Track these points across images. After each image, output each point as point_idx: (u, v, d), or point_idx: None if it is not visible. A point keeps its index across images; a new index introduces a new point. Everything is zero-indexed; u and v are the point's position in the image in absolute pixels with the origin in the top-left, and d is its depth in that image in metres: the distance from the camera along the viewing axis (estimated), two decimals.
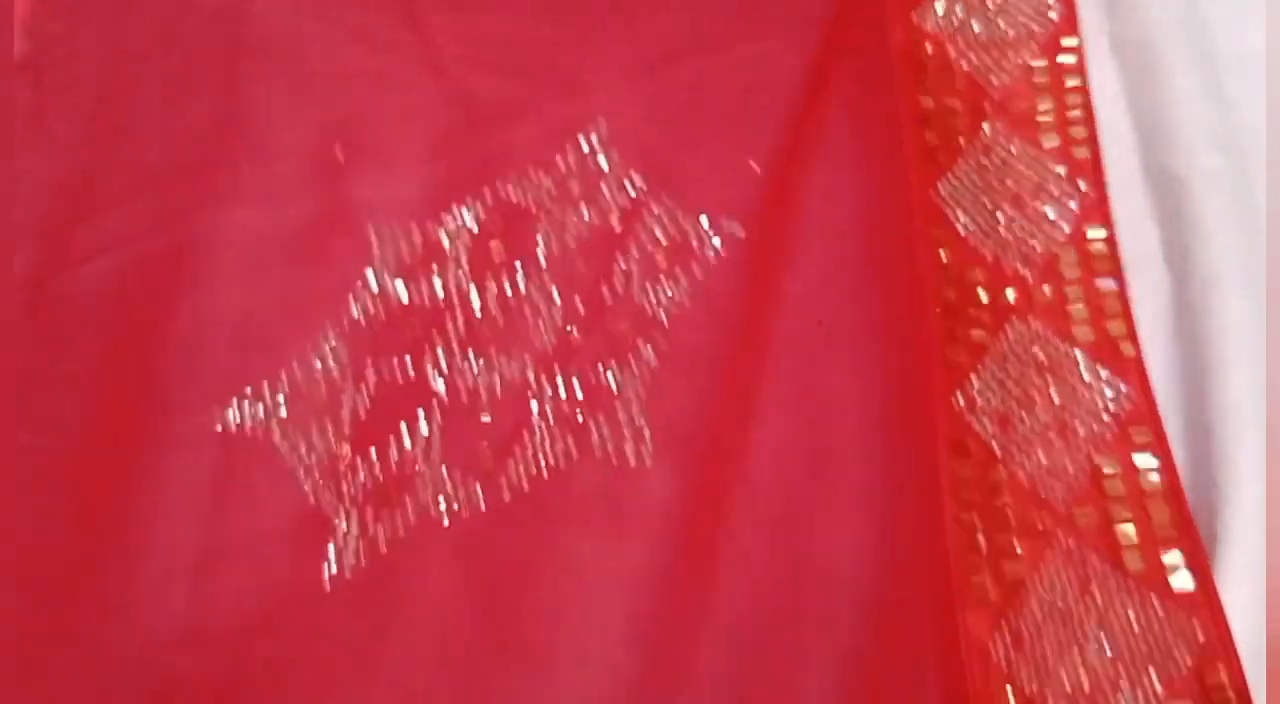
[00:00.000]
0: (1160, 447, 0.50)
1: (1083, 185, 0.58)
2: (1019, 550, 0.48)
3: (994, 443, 0.51)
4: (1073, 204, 0.57)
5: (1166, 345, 0.54)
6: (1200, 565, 0.47)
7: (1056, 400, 0.52)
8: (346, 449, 0.49)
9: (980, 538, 0.48)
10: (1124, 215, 0.58)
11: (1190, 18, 0.62)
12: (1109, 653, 0.45)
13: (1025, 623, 0.46)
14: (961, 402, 0.52)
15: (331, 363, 0.52)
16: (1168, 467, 0.50)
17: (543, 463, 0.50)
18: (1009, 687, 0.45)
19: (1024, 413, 0.51)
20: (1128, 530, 0.48)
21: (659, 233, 0.56)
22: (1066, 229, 0.57)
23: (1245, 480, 0.48)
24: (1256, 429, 0.49)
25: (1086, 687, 0.44)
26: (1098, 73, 0.62)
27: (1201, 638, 0.45)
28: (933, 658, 0.46)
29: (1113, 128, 0.61)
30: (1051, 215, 0.57)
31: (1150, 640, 0.46)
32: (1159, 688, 0.44)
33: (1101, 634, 0.46)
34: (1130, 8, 0.63)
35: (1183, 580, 0.47)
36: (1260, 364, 0.51)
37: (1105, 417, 0.51)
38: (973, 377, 0.53)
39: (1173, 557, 0.48)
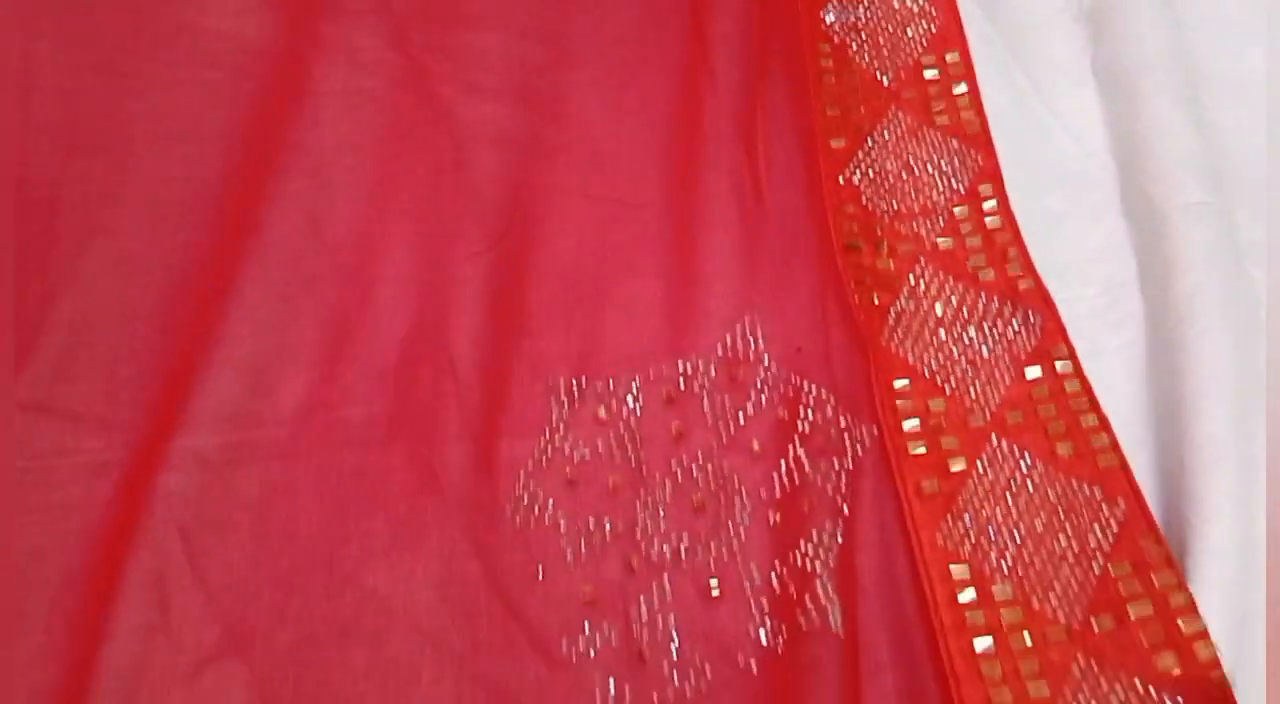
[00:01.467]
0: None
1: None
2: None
3: None
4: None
5: (1140, 377, 0.54)
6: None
7: None
8: None
9: None
10: (1101, 243, 0.58)
11: (1177, 46, 0.61)
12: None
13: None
14: None
15: None
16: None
17: None
18: None
19: None
20: None
21: None
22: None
23: (1218, 517, 0.47)
24: (1230, 465, 0.48)
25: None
26: (1078, 97, 0.62)
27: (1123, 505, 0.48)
28: None
29: (1093, 154, 0.60)
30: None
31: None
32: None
33: None
34: (1117, 35, 0.63)
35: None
36: (1234, 400, 0.50)
37: None
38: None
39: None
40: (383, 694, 0.45)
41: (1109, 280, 0.56)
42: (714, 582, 0.49)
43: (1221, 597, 0.45)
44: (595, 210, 0.58)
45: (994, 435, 0.52)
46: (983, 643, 0.46)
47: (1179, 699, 0.44)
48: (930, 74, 0.63)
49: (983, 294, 0.56)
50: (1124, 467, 0.50)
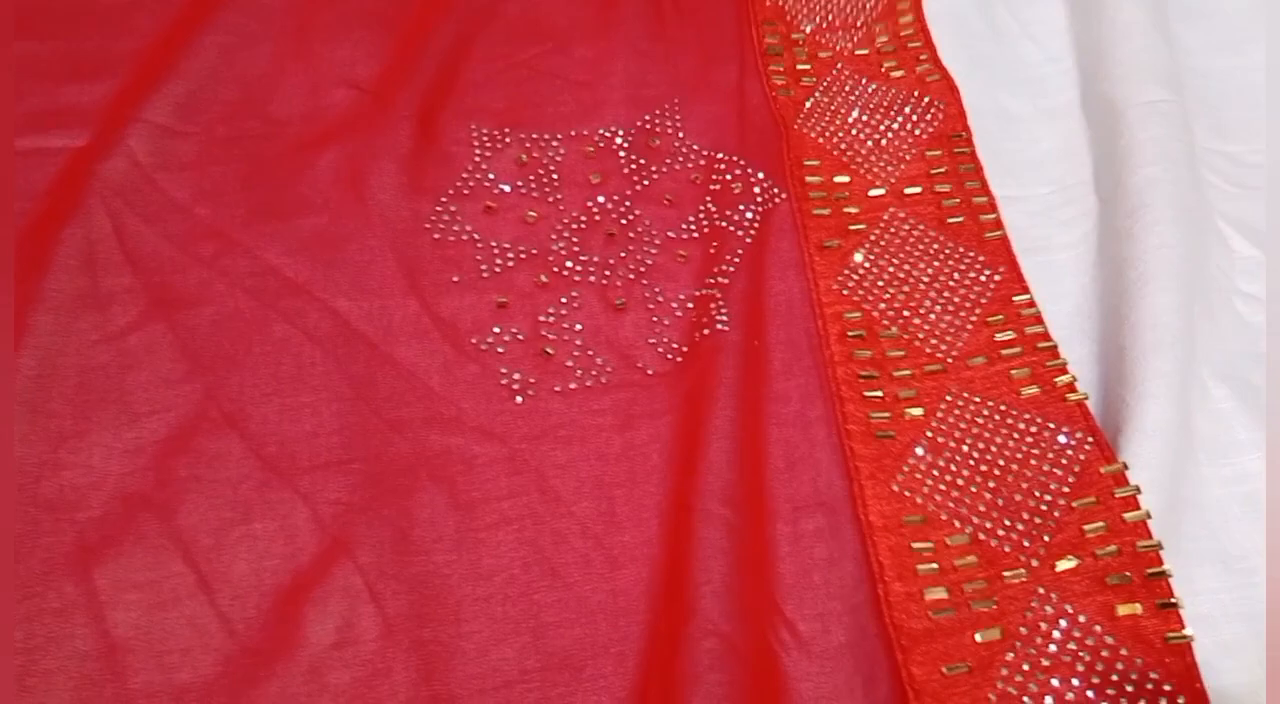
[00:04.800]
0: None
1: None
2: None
3: None
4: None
5: (1090, 269, 0.54)
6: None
7: None
8: None
9: None
10: (1058, 144, 0.58)
11: None
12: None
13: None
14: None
15: None
16: None
17: None
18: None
19: None
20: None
21: None
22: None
23: (1151, 400, 0.46)
24: (1169, 351, 0.48)
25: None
26: (1043, 6, 0.63)
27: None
28: None
29: (1055, 59, 0.61)
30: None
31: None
32: None
33: None
34: None
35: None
36: (1178, 288, 0.49)
37: None
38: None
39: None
40: (298, 353, 0.48)
41: (1063, 180, 0.57)
42: (620, 299, 0.52)
43: (1150, 476, 0.45)
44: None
45: (892, 207, 0.55)
46: (868, 372, 0.50)
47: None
48: None
49: (892, 89, 0.59)
50: (999, 230, 0.54)
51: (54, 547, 0.41)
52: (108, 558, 0.42)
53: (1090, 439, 0.46)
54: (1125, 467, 0.45)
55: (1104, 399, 0.49)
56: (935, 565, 0.43)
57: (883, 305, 0.52)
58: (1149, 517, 0.43)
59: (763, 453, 0.47)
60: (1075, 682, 0.40)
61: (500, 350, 0.50)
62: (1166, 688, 0.40)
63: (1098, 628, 0.41)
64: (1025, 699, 0.40)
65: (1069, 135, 0.58)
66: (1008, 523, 0.44)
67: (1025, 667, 0.41)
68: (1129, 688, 0.40)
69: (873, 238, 0.54)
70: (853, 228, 0.55)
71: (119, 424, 0.45)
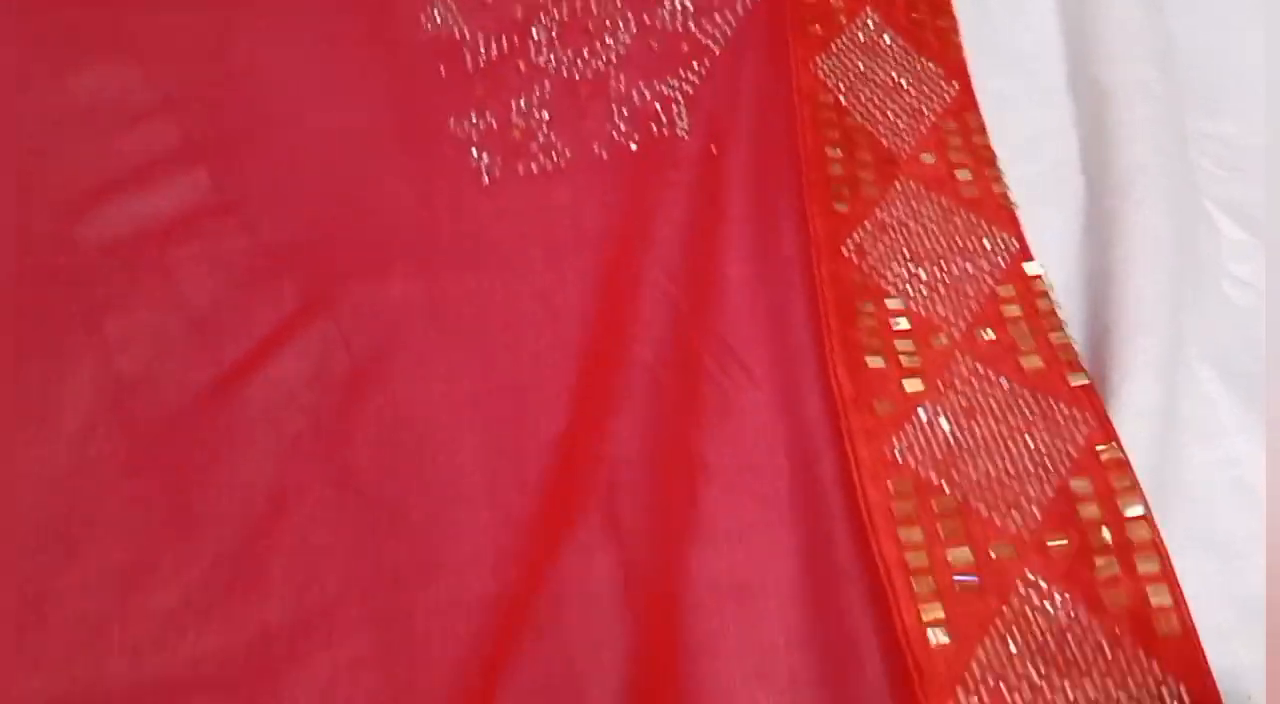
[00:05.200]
0: None
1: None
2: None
3: None
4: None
5: (1076, 249, 0.53)
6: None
7: None
8: None
9: None
10: (1047, 125, 0.57)
11: None
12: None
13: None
14: None
15: None
16: None
17: None
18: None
19: None
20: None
21: None
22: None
23: (1137, 381, 0.46)
24: (1155, 331, 0.47)
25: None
26: None
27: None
28: None
29: (1045, 42, 0.60)
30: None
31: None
32: None
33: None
34: None
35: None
36: (1164, 268, 0.49)
37: None
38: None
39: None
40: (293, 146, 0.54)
41: (1053, 160, 0.56)
42: (586, 91, 0.57)
43: (1135, 458, 0.44)
44: None
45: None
46: (837, 171, 0.53)
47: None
48: None
49: None
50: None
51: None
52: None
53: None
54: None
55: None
56: None
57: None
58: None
59: (714, 244, 0.51)
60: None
61: (474, 136, 0.55)
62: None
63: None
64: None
65: (1057, 115, 0.58)
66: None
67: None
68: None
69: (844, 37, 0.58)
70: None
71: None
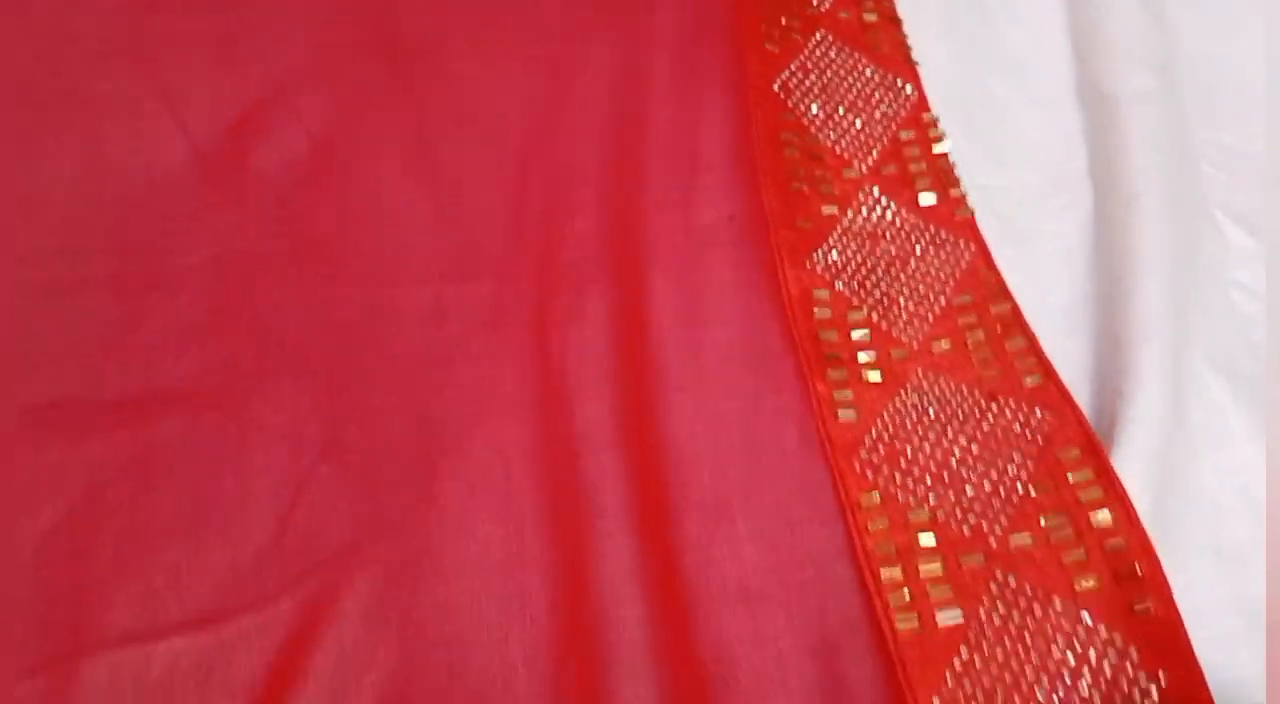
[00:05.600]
0: None
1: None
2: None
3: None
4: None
5: (1083, 259, 0.53)
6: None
7: None
8: None
9: None
10: (1049, 131, 0.57)
11: None
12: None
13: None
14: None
15: None
16: None
17: None
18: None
19: None
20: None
21: None
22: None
23: (1145, 390, 0.46)
24: (1162, 340, 0.47)
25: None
26: None
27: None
28: None
29: (1044, 44, 0.60)
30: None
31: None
32: None
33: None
34: None
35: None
36: (1170, 276, 0.49)
37: None
38: None
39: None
40: None
41: (1057, 168, 0.56)
42: None
43: (1144, 467, 0.44)
44: None
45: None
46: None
47: None
48: None
49: None
50: None
51: None
52: None
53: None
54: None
55: (1098, 390, 0.49)
56: None
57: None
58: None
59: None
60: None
61: None
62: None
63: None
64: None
65: (1058, 122, 0.58)
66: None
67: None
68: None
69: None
70: None
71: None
